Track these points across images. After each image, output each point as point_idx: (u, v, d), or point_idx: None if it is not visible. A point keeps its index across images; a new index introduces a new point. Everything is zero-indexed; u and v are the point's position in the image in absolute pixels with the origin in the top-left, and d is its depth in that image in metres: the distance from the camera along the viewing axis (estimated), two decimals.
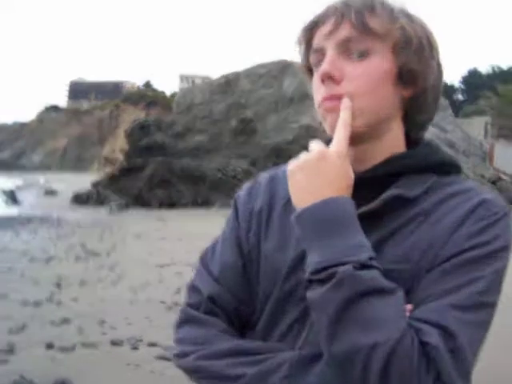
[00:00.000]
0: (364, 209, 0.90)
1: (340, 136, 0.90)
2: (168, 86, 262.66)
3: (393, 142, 0.97)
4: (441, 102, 1.07)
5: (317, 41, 0.96)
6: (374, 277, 0.80)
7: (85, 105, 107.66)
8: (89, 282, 8.31)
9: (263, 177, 1.12)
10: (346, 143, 0.90)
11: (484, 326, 0.84)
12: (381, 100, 0.93)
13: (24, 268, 9.36)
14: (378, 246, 0.86)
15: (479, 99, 45.47)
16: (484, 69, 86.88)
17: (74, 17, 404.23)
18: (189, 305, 1.03)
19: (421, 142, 1.01)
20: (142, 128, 25.91)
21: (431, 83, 0.96)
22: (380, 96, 0.93)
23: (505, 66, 63.15)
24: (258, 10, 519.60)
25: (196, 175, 23.81)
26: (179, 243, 12.63)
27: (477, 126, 34.46)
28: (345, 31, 0.92)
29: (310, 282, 0.83)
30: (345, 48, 0.92)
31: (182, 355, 0.98)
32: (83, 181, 29.07)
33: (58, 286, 8.02)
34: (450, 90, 58.17)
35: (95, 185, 25.94)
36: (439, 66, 0.98)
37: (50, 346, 5.15)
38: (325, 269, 0.81)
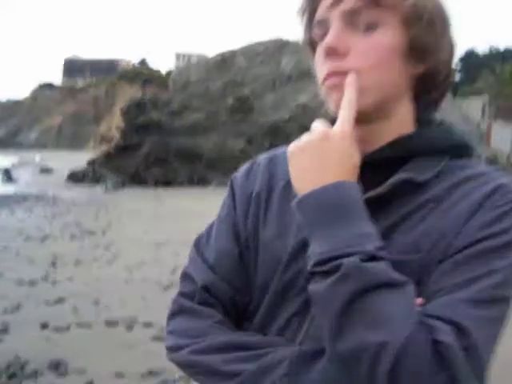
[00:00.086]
0: (371, 193, 0.84)
1: (345, 115, 0.83)
2: (163, 64, 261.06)
3: (402, 123, 0.90)
4: None
5: (320, 12, 0.88)
6: (382, 269, 0.74)
7: (80, 82, 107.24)
8: (84, 261, 8.31)
9: (262, 158, 1.05)
10: (352, 123, 0.83)
11: (499, 321, 0.78)
12: (389, 76, 0.86)
13: (19, 247, 9.36)
14: (386, 234, 0.80)
15: (477, 79, 45.37)
16: (481, 49, 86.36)
17: None
18: (182, 294, 0.97)
19: (432, 122, 0.94)
20: (139, 106, 25.83)
21: (443, 59, 0.89)
22: (388, 72, 0.86)
23: (502, 47, 62.98)
24: None
25: (192, 153, 23.78)
26: (175, 222, 12.65)
27: (475, 107, 34.41)
28: (351, 1, 0.84)
29: (313, 274, 0.77)
30: (351, 20, 0.85)
31: (175, 348, 0.92)
32: (79, 159, 29.05)
33: (54, 264, 8.02)
34: None
35: (91, 163, 25.93)
36: (451, 41, 0.91)
37: (44, 326, 5.15)
38: (329, 260, 0.74)
